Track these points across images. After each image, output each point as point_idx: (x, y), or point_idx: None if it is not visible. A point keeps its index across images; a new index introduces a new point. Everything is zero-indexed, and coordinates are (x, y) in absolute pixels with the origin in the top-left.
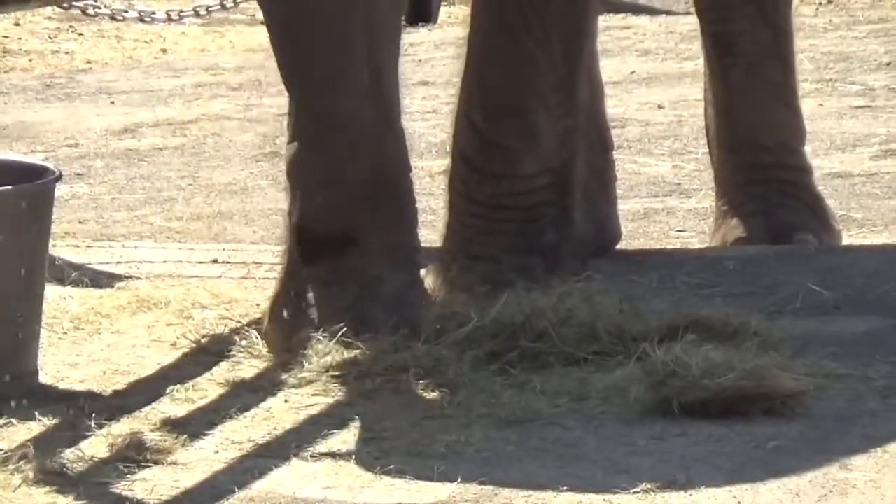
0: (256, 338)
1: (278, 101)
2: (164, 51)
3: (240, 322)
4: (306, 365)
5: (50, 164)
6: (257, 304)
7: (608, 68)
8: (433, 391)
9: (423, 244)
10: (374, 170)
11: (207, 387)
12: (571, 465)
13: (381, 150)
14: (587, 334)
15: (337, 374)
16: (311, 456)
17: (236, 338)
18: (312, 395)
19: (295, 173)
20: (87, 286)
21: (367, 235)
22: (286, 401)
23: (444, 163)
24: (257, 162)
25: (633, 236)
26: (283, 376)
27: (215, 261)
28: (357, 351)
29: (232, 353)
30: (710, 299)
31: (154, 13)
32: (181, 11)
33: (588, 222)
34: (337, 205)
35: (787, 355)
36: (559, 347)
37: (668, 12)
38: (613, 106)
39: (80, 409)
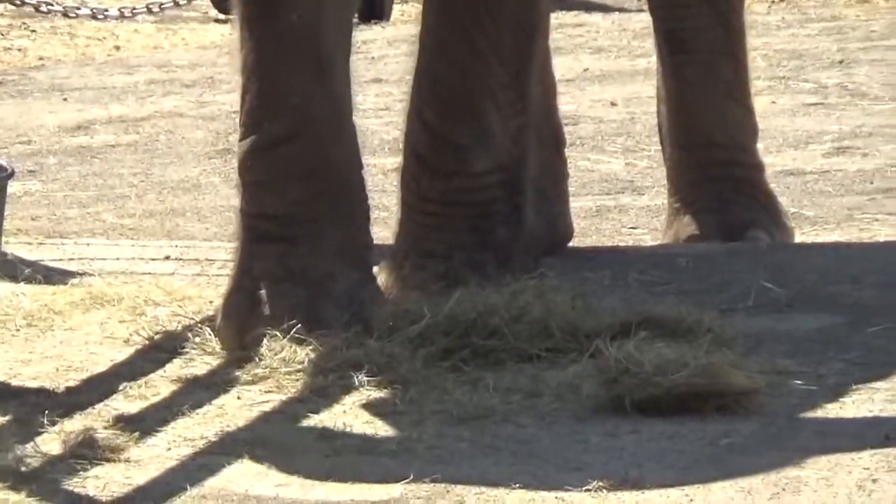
0: (210, 335)
1: (231, 97)
2: (117, 48)
3: (193, 319)
4: (259, 362)
5: (2, 161)
6: (210, 301)
7: (561, 66)
8: (386, 388)
9: (375, 241)
10: (325, 166)
11: (160, 384)
12: (524, 462)
13: (332, 146)
14: (540, 331)
15: (290, 370)
16: (264, 453)
17: (189, 335)
18: (265, 392)
19: (247, 170)
20: (39, 283)
21: (319, 232)
22: (239, 398)
23: (397, 160)
24: (210, 159)
25: (585, 233)
26: (236, 373)
27: (168, 258)
28: (310, 348)
29: (185, 350)
30: (662, 296)
31: (107, 10)
32: (134, 9)
33: (540, 219)
34: (289, 201)
35: (739, 352)
36: (512, 344)
37: (620, 10)
38: (566, 103)
39: (32, 406)
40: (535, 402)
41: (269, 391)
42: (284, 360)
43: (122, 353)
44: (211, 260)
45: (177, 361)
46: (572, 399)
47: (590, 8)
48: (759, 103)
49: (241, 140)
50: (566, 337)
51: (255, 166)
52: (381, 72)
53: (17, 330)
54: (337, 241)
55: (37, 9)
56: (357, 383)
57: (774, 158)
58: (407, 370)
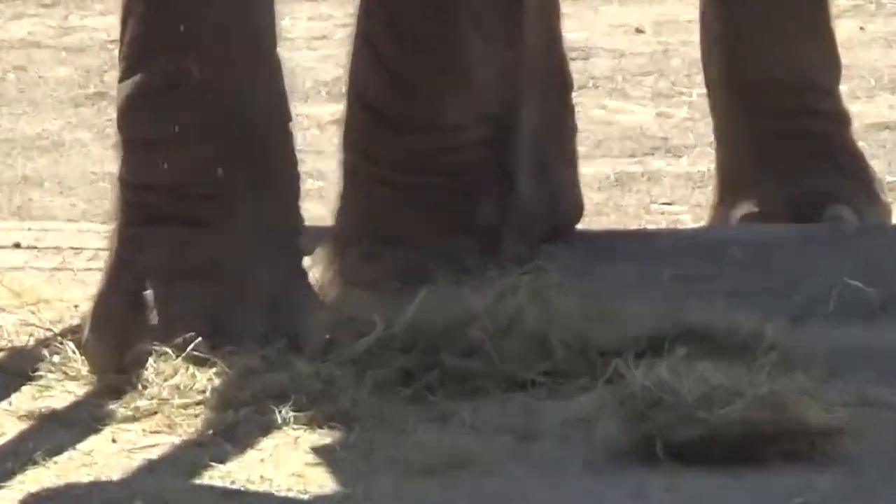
0: (73, 352)
1: (106, 21)
2: None
3: (50, 330)
4: (143, 390)
5: None
6: (75, 306)
7: None
8: (320, 427)
9: (307, 222)
10: (237, 117)
11: (4, 421)
12: None
13: (248, 90)
14: (537, 348)
15: (185, 402)
16: None
17: (45, 352)
18: (151, 432)
19: (130, 123)
20: None
21: (227, 209)
22: (114, 440)
23: (339, 109)
24: (77, 107)
25: (601, 211)
26: (111, 406)
27: (17, 245)
28: (213, 371)
29: (39, 373)
30: (708, 299)
31: None
32: None
33: (539, 192)
34: (186, 167)
35: (816, 377)
36: (497, 366)
37: None
38: (574, 29)
39: None
40: (529, 447)
41: (157, 431)
42: (178, 389)
43: None
44: (77, 248)
45: (27, 390)
46: (582, 443)
47: None
48: (842, 31)
49: (120, 81)
50: (573, 355)
51: (141, 118)
52: None
53: None
54: (253, 222)
55: None
56: (280, 420)
57: (864, 106)
58: (350, 401)
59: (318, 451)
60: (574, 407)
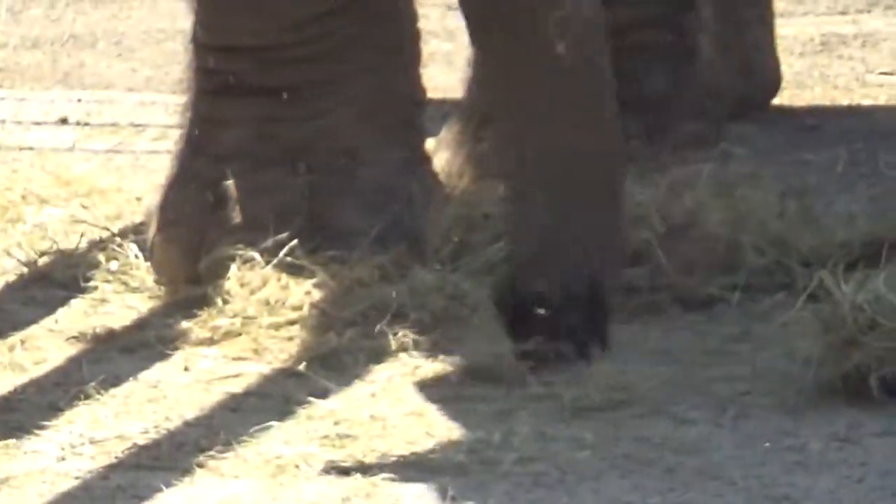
0: (136, 257)
1: None
2: None
3: (106, 229)
4: (224, 306)
5: None
6: (137, 198)
7: None
8: (446, 354)
9: (430, 92)
10: None
11: (47, 342)
12: (692, 485)
13: None
14: (721, 255)
15: (277, 321)
16: (219, 471)
17: (99, 257)
18: (234, 359)
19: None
20: None
21: (327, 77)
22: (187, 368)
23: None
24: None
25: (802, 83)
26: (183, 326)
27: (64, 121)
28: (312, 282)
29: (93, 283)
30: None
31: None
32: None
33: (725, 57)
34: (275, 24)
35: None
36: (670, 278)
37: None
38: None
39: None
40: (709, 383)
41: (240, 358)
42: (267, 305)
43: None
44: (139, 125)
45: (77, 304)
46: (777, 376)
47: None
48: None
49: None
50: (767, 265)
51: None
52: None
53: None
54: (362, 95)
55: None
56: (395, 345)
57: None
58: (482, 322)
59: (442, 384)
60: (768, 331)
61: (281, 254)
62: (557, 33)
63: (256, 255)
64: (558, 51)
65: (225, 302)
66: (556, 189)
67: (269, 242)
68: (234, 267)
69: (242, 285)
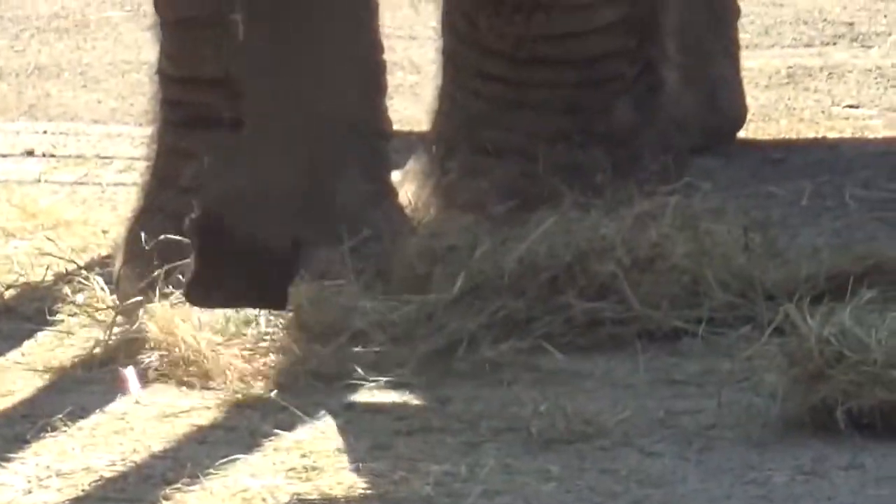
0: (102, 289)
1: None
2: None
3: (72, 261)
4: (190, 336)
5: None
6: (103, 231)
7: None
8: (411, 386)
9: (396, 125)
10: None
11: (15, 376)
12: None
13: None
14: (686, 288)
15: (242, 352)
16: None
17: (65, 289)
18: (200, 390)
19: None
20: None
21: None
22: (152, 400)
23: None
24: None
25: (768, 114)
26: (147, 357)
27: (30, 153)
28: (275, 311)
29: (59, 315)
30: None
31: None
32: None
33: (692, 92)
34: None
35: None
36: (636, 311)
37: None
38: None
39: None
40: (675, 415)
41: (206, 388)
42: (232, 334)
43: None
44: (105, 157)
45: (44, 337)
46: (743, 409)
47: None
48: None
49: None
50: (732, 298)
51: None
52: None
53: None
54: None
55: None
56: (360, 373)
57: None
58: (448, 354)
59: (408, 416)
60: (733, 364)
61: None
62: None
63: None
64: None
65: (191, 332)
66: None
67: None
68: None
69: (207, 314)
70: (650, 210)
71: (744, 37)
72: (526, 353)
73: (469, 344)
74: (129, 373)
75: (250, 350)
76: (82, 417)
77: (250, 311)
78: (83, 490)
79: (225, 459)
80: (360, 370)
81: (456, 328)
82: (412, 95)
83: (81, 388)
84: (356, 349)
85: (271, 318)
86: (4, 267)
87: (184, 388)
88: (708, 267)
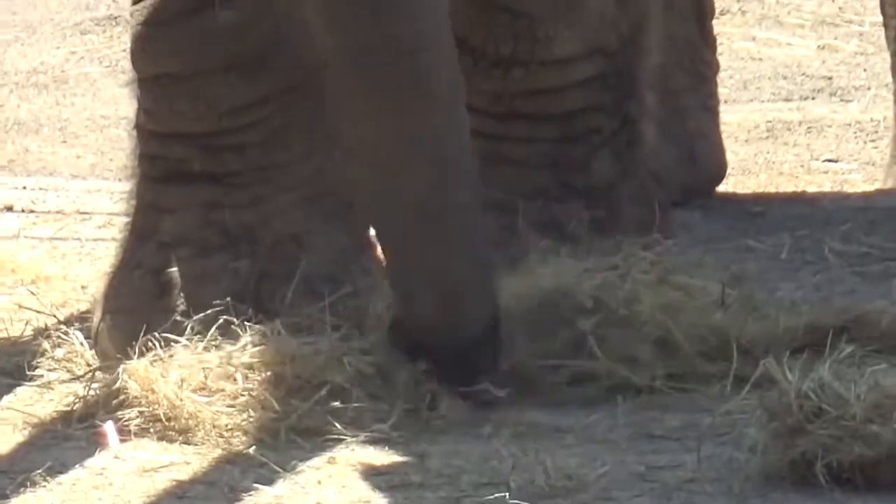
0: (81, 344)
1: None
2: None
3: (52, 316)
4: (169, 391)
5: None
6: (82, 286)
7: None
8: (388, 441)
9: None
10: (282, 45)
11: None
12: None
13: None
14: (659, 344)
15: (222, 408)
16: None
17: (45, 344)
18: (180, 445)
19: (148, 55)
20: None
21: (271, 163)
22: (132, 455)
23: None
24: (83, 34)
25: (747, 168)
26: (127, 413)
27: (9, 208)
28: (254, 365)
29: (38, 370)
30: (881, 281)
31: None
32: None
33: (671, 146)
34: (218, 110)
35: None
36: (606, 367)
37: None
38: None
39: None
40: (652, 471)
41: (186, 443)
42: (210, 390)
43: None
44: (84, 213)
45: (23, 392)
46: (721, 464)
47: None
48: None
49: (135, 2)
50: (708, 353)
51: (162, 50)
52: None
53: None
54: (305, 180)
55: None
56: (340, 429)
57: None
58: (422, 407)
59: (388, 471)
60: (713, 418)
61: (213, 328)
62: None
63: (200, 343)
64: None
65: (171, 389)
66: (421, 240)
67: (213, 330)
68: (180, 347)
69: (187, 370)
70: (628, 264)
71: (723, 91)
72: (505, 407)
73: (448, 399)
74: (109, 427)
75: (230, 405)
76: (62, 472)
77: (229, 367)
78: None
79: None
80: (339, 426)
81: (434, 384)
82: None
83: (61, 444)
84: (335, 404)
85: (250, 373)
86: None
87: (163, 443)
88: (685, 321)
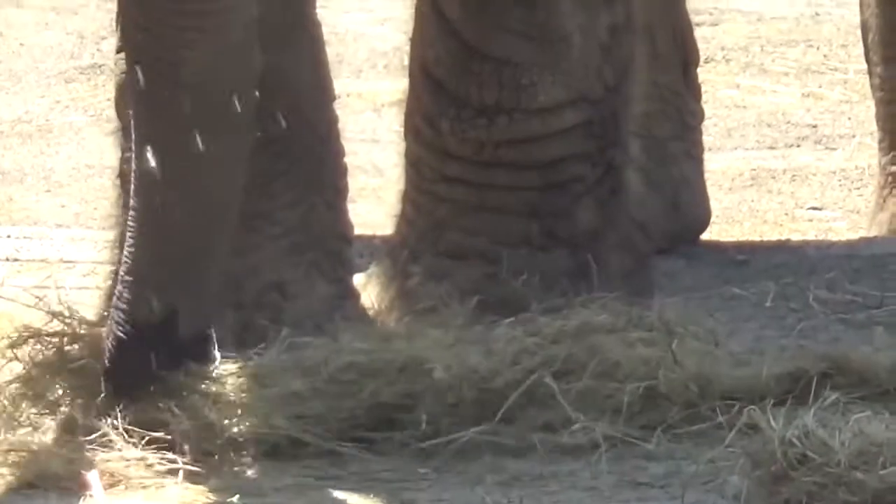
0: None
1: None
2: None
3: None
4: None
5: None
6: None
7: None
8: (373, 496)
9: (359, 229)
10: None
11: None
12: None
13: (277, 57)
14: (643, 394)
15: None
16: None
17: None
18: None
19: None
20: None
21: (255, 212)
22: None
23: (400, 87)
24: (67, 83)
25: (732, 217)
26: (107, 466)
27: (7, 259)
28: (240, 415)
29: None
30: (865, 329)
31: None
32: None
33: (655, 194)
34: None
35: None
36: (590, 421)
37: None
38: None
39: None
40: None
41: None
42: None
43: None
44: (69, 261)
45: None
46: None
47: None
48: None
49: (119, 52)
50: (692, 402)
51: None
52: None
53: None
54: (289, 230)
55: None
56: (314, 483)
57: None
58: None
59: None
60: (697, 466)
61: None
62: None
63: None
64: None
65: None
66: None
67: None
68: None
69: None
70: (611, 313)
71: (707, 139)
72: (490, 455)
73: (433, 447)
74: (93, 477)
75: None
76: None
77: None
78: None
79: None
80: (324, 472)
81: (419, 432)
82: (375, 199)
83: (46, 493)
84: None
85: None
86: None
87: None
88: (667, 370)
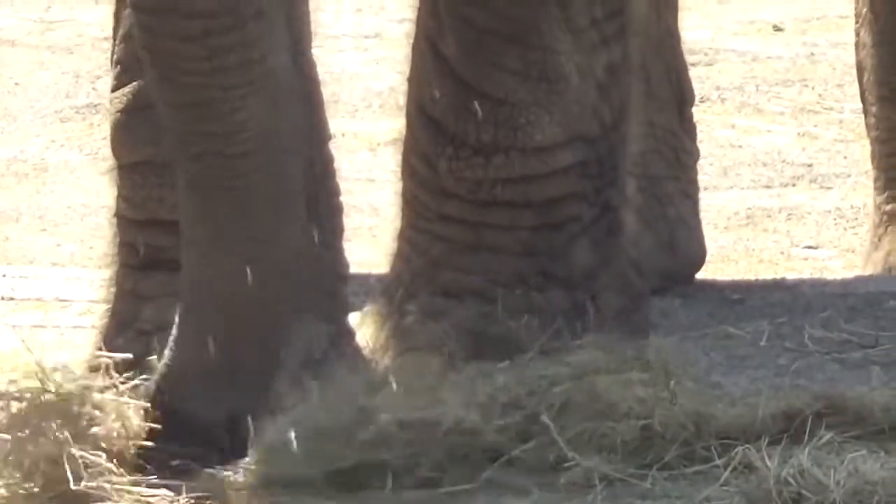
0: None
1: (97, 14)
2: None
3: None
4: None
5: None
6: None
7: None
8: None
9: (354, 268)
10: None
11: None
12: None
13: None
14: (639, 433)
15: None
16: None
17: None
18: None
19: (128, 143)
20: None
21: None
22: None
23: (396, 126)
24: (63, 122)
25: (727, 256)
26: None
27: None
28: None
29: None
30: (860, 368)
31: None
32: None
33: (651, 233)
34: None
35: None
36: (586, 461)
37: None
38: (695, 27)
39: None
40: None
41: None
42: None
43: None
44: (64, 300)
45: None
46: None
47: None
48: None
49: (114, 90)
50: (687, 441)
51: (141, 138)
52: None
53: None
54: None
55: None
56: None
57: None
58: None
59: None
60: None
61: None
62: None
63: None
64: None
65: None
66: (215, 317)
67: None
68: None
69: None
70: (607, 353)
71: (702, 178)
72: (489, 496)
73: (427, 486)
74: None
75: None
76: None
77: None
78: None
79: None
80: None
81: (413, 478)
82: (370, 238)
83: None
84: (307, 498)
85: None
86: None
87: None
88: (663, 409)
